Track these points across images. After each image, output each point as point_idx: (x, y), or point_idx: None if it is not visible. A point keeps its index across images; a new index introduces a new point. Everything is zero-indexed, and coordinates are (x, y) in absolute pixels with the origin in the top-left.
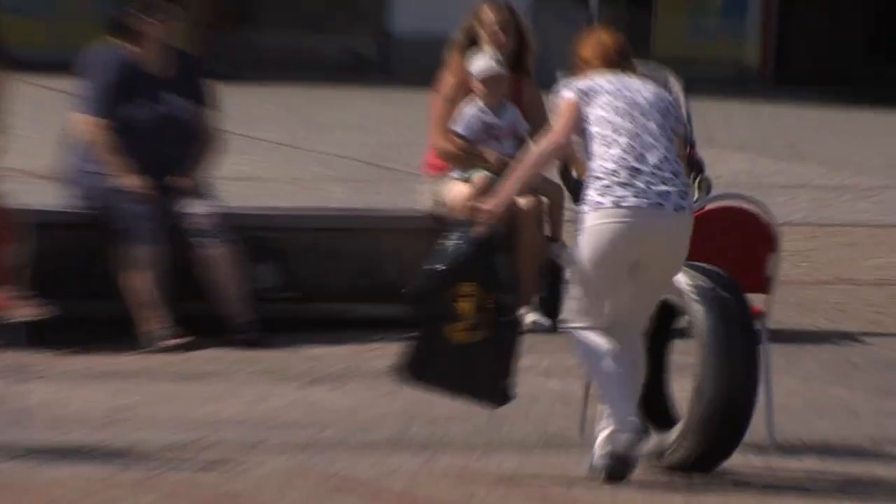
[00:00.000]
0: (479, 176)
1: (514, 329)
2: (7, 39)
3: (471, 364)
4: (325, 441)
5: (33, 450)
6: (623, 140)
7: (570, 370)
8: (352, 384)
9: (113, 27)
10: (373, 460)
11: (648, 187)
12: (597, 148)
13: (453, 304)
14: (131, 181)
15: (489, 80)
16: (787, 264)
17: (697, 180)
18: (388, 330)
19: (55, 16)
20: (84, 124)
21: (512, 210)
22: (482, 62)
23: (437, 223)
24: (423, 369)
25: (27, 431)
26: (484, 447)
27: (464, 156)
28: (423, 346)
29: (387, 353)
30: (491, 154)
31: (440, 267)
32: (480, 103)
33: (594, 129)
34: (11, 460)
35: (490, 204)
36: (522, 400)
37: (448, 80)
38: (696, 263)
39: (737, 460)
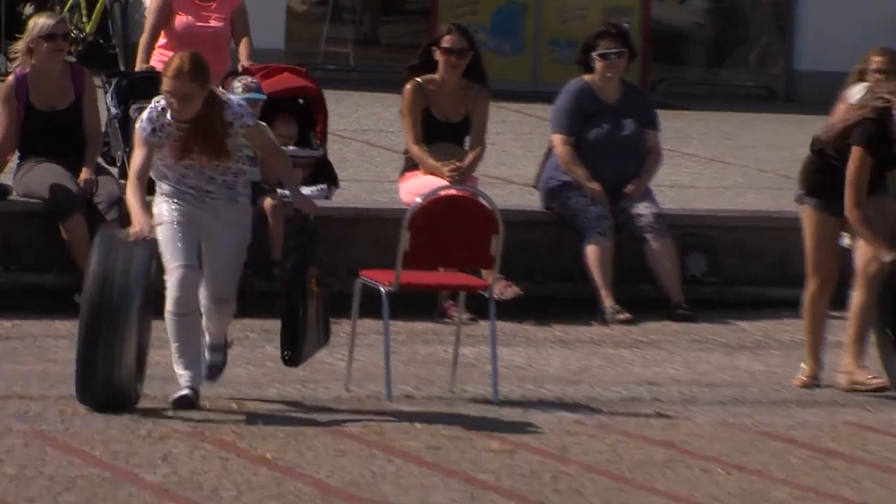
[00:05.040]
0: None
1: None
2: (489, 75)
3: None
4: (746, 399)
5: (506, 401)
6: None
7: None
8: (767, 352)
9: (580, 63)
10: (785, 414)
11: None
12: None
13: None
14: (591, 186)
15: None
16: None
17: None
18: (797, 309)
19: (526, 55)
20: (555, 141)
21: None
22: (857, 93)
23: None
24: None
25: (498, 387)
26: (876, 404)
27: None
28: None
29: (797, 328)
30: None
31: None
32: None
33: None
34: (487, 410)
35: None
36: None
37: (841, 108)
38: None
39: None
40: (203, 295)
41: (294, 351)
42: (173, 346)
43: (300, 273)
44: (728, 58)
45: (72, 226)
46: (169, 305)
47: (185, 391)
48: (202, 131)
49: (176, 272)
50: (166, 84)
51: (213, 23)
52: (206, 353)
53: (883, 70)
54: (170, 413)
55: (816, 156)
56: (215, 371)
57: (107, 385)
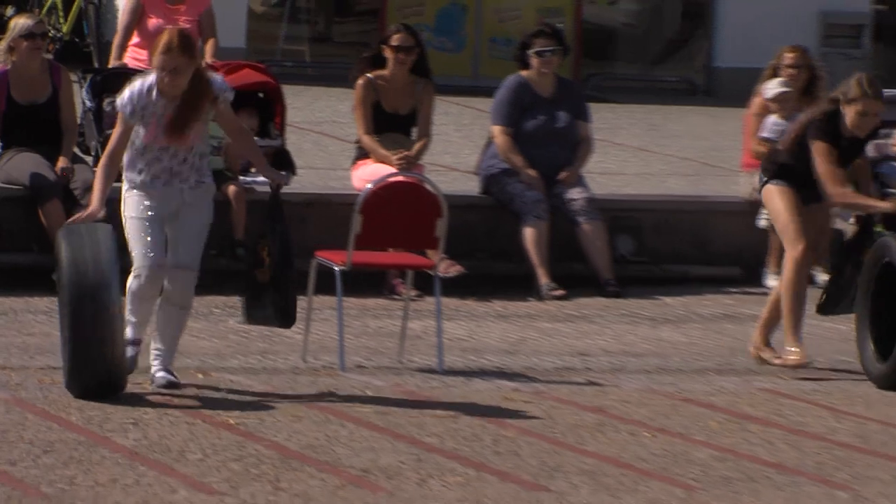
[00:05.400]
0: None
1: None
2: (434, 71)
3: (267, 297)
4: (669, 368)
5: (450, 371)
6: None
7: None
8: (689, 325)
9: (518, 60)
10: (705, 382)
11: None
12: None
13: (260, 253)
14: (528, 173)
15: (779, 101)
16: None
17: None
18: (717, 285)
19: (467, 52)
20: (494, 132)
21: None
22: (774, 88)
23: (752, 206)
24: (247, 311)
25: (443, 358)
26: (788, 372)
27: None
28: (245, 291)
29: (716, 303)
30: None
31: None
32: (775, 116)
33: None
34: (432, 379)
35: None
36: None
37: (756, 101)
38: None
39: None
40: (166, 285)
41: (293, 311)
42: (129, 307)
43: (286, 243)
44: (653, 55)
45: (50, 210)
46: (133, 287)
47: (133, 348)
48: (185, 107)
49: (144, 272)
50: (157, 59)
51: (181, 24)
52: (158, 373)
53: (794, 66)
54: (139, 382)
55: (774, 153)
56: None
57: (102, 367)
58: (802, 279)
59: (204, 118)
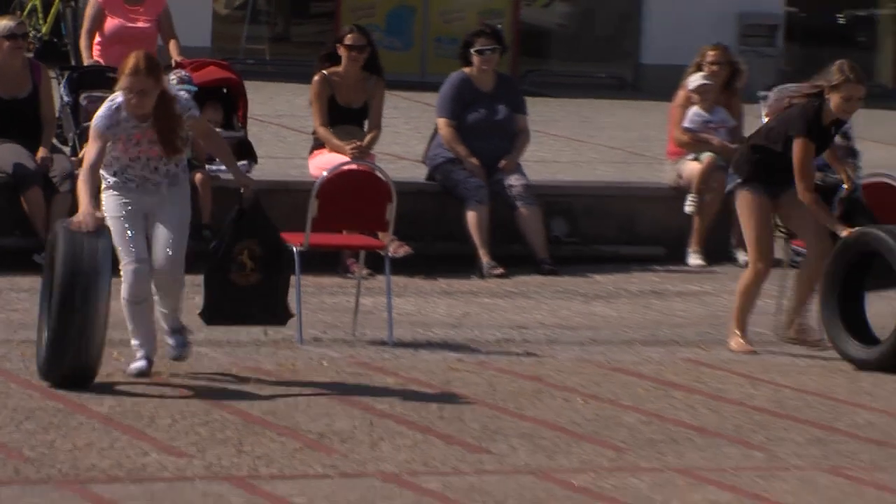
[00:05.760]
0: (707, 156)
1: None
2: (384, 68)
3: (252, 299)
4: (600, 339)
5: (400, 343)
6: None
7: None
8: (618, 300)
9: (461, 57)
10: (633, 352)
11: None
12: None
13: (238, 258)
14: (470, 161)
15: (700, 93)
16: None
17: None
18: (643, 264)
19: (415, 51)
20: (440, 124)
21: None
22: (696, 80)
23: (676, 191)
24: (212, 313)
25: (393, 331)
26: (709, 343)
27: (694, 143)
28: (212, 293)
29: (643, 280)
30: (714, 140)
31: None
32: (697, 108)
33: None
34: (383, 350)
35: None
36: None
37: (681, 94)
38: None
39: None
40: (154, 274)
41: (286, 308)
42: (130, 326)
43: (277, 246)
44: (585, 53)
45: (30, 197)
46: (125, 294)
47: (142, 362)
48: (162, 127)
49: (130, 266)
50: (124, 81)
51: (140, 24)
52: (169, 339)
53: (716, 62)
54: (114, 355)
55: (752, 149)
56: (183, 352)
57: (77, 362)
58: (757, 289)
59: (181, 136)
